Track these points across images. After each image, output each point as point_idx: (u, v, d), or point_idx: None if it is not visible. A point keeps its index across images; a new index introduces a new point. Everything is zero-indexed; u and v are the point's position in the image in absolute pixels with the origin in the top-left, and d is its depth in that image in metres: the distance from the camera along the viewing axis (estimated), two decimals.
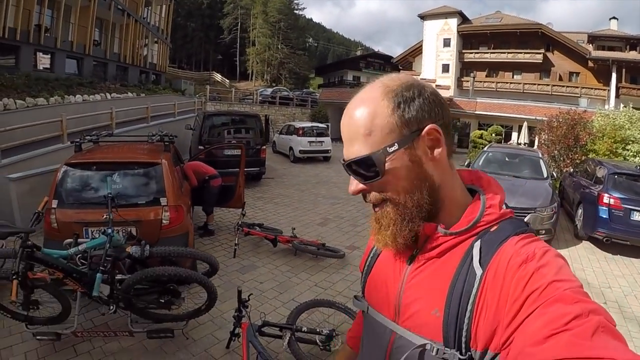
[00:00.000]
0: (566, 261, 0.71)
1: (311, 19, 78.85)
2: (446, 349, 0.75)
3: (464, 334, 0.73)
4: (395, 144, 0.78)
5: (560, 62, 31.15)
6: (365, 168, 0.80)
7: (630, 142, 12.79)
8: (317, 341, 3.38)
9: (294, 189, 11.06)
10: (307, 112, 28.70)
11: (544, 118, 15.45)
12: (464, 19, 34.49)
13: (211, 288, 3.39)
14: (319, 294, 4.71)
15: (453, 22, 33.55)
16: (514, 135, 24.53)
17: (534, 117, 19.95)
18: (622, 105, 17.57)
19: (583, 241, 7.68)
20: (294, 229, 6.38)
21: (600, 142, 12.59)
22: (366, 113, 0.79)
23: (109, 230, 3.20)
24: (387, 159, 0.78)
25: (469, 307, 0.73)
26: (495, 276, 0.72)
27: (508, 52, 32.29)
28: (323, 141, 16.89)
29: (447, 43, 33.93)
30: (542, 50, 31.10)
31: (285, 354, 3.35)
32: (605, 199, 7.14)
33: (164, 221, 4.27)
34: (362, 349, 1.02)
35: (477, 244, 0.78)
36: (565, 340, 0.57)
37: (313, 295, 4.62)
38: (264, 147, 11.20)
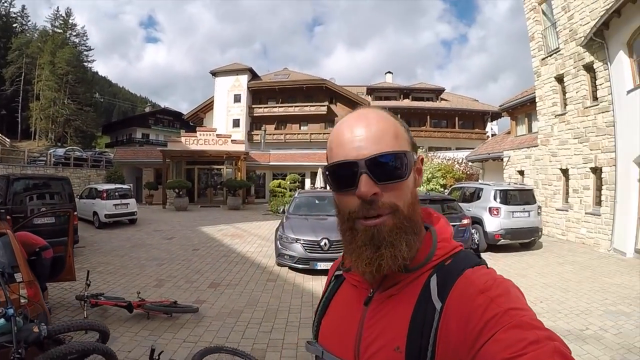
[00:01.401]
0: (520, 291, 0.75)
1: (97, 72, 73.35)
2: None
3: None
4: (415, 155, 0.84)
5: (343, 113, 35.50)
6: (396, 165, 0.80)
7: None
8: None
9: (112, 255, 10.37)
10: (102, 174, 26.75)
11: None
12: (253, 75, 37.27)
13: (115, 357, 3.37)
14: (192, 349, 4.87)
15: (244, 79, 35.93)
16: (307, 181, 27.31)
17: (324, 163, 22.80)
18: None
19: None
20: (139, 292, 6.30)
21: None
22: (390, 122, 0.83)
23: (10, 311, 2.87)
24: (412, 163, 0.82)
25: (431, 341, 0.73)
26: (454, 308, 0.73)
27: (295, 106, 35.94)
28: (128, 203, 16.29)
29: (237, 99, 35.97)
30: (327, 103, 35.53)
31: None
32: None
33: (22, 300, 3.79)
34: None
35: (434, 278, 0.79)
36: None
37: (187, 352, 4.77)
38: (75, 212, 10.36)
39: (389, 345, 0.78)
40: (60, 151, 30.09)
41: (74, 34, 60.55)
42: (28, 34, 61.09)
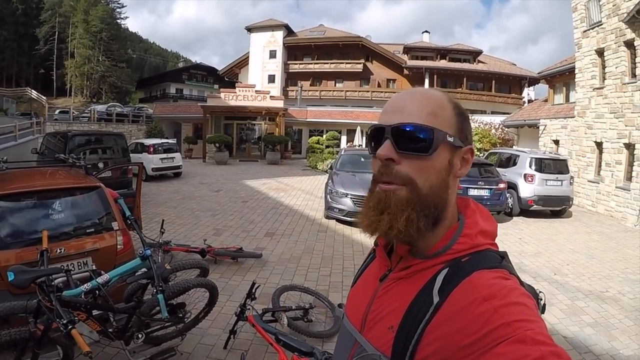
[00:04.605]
0: (534, 301, 0.73)
1: (127, 28, 73.85)
2: None
3: (408, 354, 0.74)
4: (454, 137, 0.82)
5: (379, 71, 35.86)
6: (418, 138, 0.79)
7: None
8: (299, 315, 4.17)
9: (165, 206, 10.94)
10: (142, 129, 27.67)
11: (374, 122, 18.32)
12: (289, 31, 37.03)
13: (215, 289, 3.81)
14: (261, 289, 5.30)
15: (279, 35, 35.88)
16: (344, 138, 27.47)
17: (363, 122, 22.73)
18: None
19: None
20: (206, 240, 6.81)
21: None
22: (436, 101, 0.83)
23: (148, 252, 3.25)
24: (442, 143, 0.80)
25: (418, 331, 0.74)
26: (453, 308, 0.72)
27: (331, 63, 35.79)
28: (174, 157, 16.94)
29: (273, 55, 36.04)
30: (362, 61, 35.22)
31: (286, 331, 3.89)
32: None
33: (118, 246, 4.21)
34: (334, 355, 1.05)
35: (444, 272, 0.78)
36: None
37: (258, 292, 5.21)
38: (130, 167, 10.95)
39: (387, 323, 0.81)
40: (102, 107, 31.10)
41: None
42: None
